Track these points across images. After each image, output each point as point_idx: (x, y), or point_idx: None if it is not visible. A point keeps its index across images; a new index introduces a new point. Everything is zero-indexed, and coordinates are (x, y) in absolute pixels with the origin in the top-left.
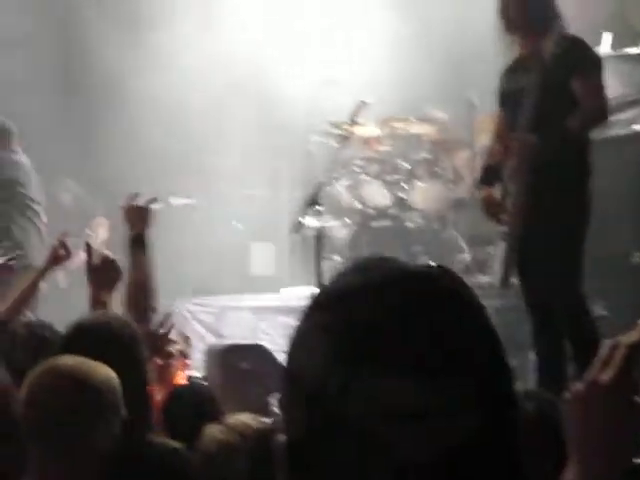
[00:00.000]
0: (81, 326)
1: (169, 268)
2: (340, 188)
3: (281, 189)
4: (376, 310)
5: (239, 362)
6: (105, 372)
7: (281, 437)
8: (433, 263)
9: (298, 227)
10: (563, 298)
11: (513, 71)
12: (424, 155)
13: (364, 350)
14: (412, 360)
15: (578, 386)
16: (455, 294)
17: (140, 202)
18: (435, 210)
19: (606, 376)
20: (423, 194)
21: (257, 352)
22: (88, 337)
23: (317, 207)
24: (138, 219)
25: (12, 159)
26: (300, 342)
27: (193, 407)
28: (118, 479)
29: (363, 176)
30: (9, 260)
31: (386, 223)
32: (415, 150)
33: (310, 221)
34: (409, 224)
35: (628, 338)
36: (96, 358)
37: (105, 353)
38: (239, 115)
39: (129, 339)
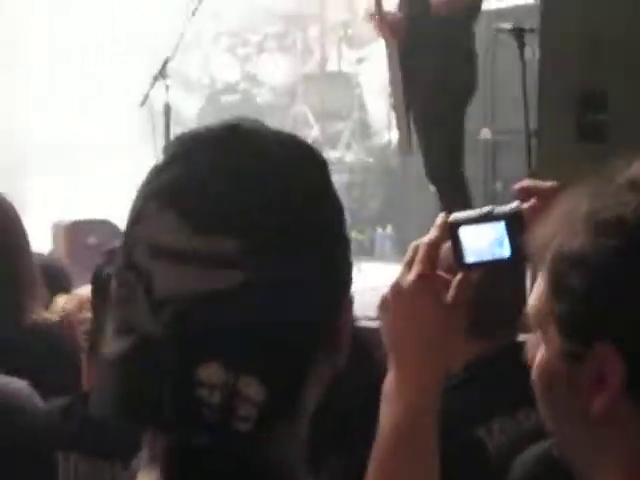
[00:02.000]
0: None
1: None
2: (190, 63)
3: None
4: (188, 156)
5: (86, 237)
6: None
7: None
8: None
9: (145, 100)
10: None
11: None
12: (275, 28)
13: (153, 187)
14: (192, 208)
15: (386, 292)
16: (260, 153)
17: None
18: (285, 85)
19: (409, 277)
20: (272, 68)
21: (104, 226)
22: None
23: (165, 80)
24: None
25: None
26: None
27: (46, 279)
28: None
29: (213, 50)
30: None
31: (235, 98)
32: (265, 23)
33: (157, 95)
34: (259, 99)
35: (427, 237)
36: None
37: None
38: None
39: None
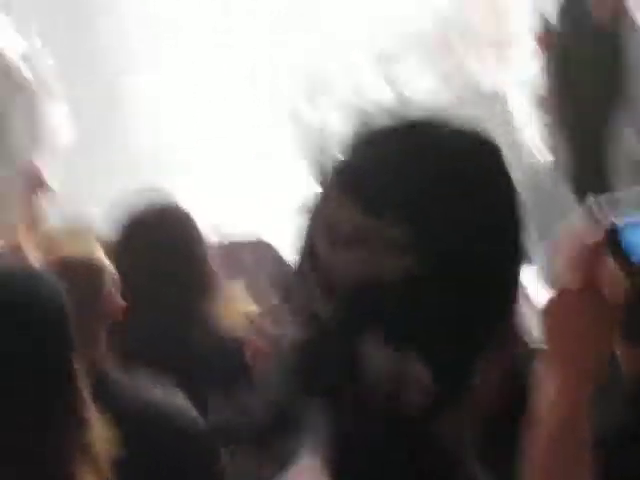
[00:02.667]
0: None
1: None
2: (342, 84)
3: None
4: (371, 145)
5: (241, 256)
6: None
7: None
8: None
9: (296, 117)
10: None
11: None
12: (427, 49)
13: (343, 175)
14: (366, 196)
15: (552, 297)
16: (441, 147)
17: None
18: (436, 105)
19: (576, 280)
20: (426, 90)
21: (260, 246)
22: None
23: (319, 97)
24: None
25: None
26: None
27: None
28: None
29: (366, 72)
30: None
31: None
32: (416, 45)
33: (309, 112)
34: None
35: (589, 238)
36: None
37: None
38: None
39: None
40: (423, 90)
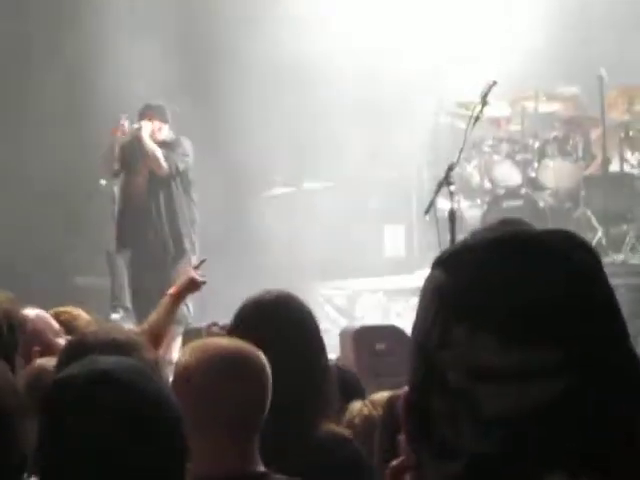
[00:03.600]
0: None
1: (302, 251)
2: (470, 168)
3: (410, 170)
4: (480, 269)
5: (373, 343)
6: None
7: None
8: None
9: (430, 208)
10: None
11: None
12: (554, 133)
13: (463, 308)
14: (507, 325)
15: None
16: (566, 260)
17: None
18: (567, 189)
19: None
20: (554, 173)
21: (391, 333)
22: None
23: (449, 187)
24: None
25: None
26: (420, 297)
27: (340, 388)
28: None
29: (493, 156)
30: None
31: (517, 203)
32: (545, 128)
33: (441, 202)
34: (541, 203)
35: None
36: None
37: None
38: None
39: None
40: (553, 173)
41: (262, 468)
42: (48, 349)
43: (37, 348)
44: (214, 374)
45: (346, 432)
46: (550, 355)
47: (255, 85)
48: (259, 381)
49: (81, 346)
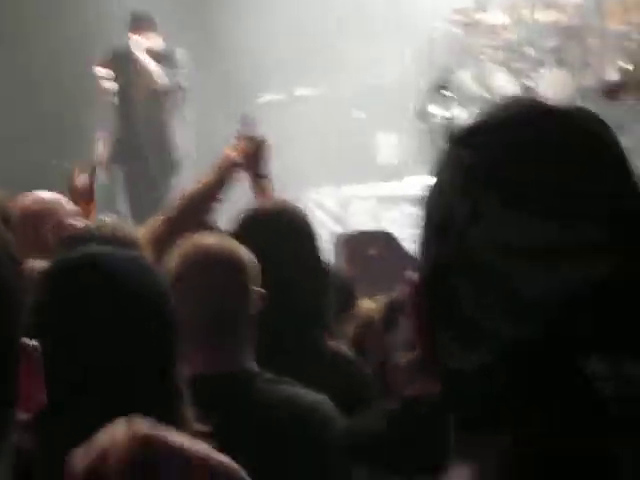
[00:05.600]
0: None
1: (295, 158)
2: (466, 77)
3: (406, 76)
4: (509, 143)
5: (366, 248)
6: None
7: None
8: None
9: (424, 115)
10: None
11: None
12: (552, 42)
13: (492, 182)
14: (541, 198)
15: None
16: (594, 135)
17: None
18: (562, 98)
19: None
20: (551, 82)
21: (384, 239)
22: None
23: (444, 93)
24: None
25: None
26: (436, 177)
27: (336, 295)
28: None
29: (489, 64)
30: None
31: None
32: (542, 37)
33: (436, 109)
34: None
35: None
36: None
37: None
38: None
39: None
40: (549, 82)
41: (255, 367)
42: (60, 228)
43: (50, 226)
44: (193, 269)
45: (343, 348)
46: (592, 232)
47: None
48: (236, 275)
49: (79, 238)
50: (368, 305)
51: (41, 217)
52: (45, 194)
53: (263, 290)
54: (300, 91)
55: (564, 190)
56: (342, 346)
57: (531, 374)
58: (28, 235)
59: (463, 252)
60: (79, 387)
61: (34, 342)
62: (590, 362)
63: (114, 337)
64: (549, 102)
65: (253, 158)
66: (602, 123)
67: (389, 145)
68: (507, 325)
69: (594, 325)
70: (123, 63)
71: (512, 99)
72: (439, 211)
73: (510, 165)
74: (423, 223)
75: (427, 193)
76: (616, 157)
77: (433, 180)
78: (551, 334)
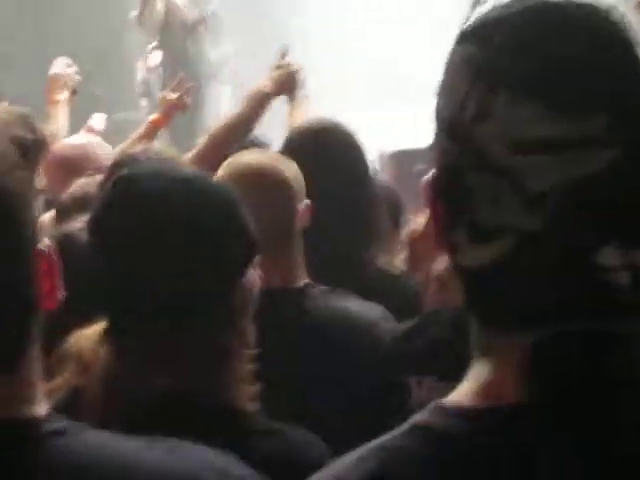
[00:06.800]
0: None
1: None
2: None
3: None
4: (514, 39)
5: (412, 164)
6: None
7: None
8: None
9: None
10: None
11: None
12: None
13: (498, 78)
14: (549, 92)
15: None
16: (599, 28)
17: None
18: None
19: None
20: None
21: (430, 155)
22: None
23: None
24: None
25: None
26: (445, 74)
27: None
28: None
29: None
30: None
31: None
32: None
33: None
34: None
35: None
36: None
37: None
38: None
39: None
40: None
41: (308, 280)
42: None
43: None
44: (240, 189)
45: (397, 269)
46: (597, 123)
47: None
48: (284, 193)
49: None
50: (418, 220)
51: (80, 162)
52: (81, 139)
53: (309, 202)
54: None
55: (569, 84)
56: (391, 260)
57: (542, 267)
58: (66, 181)
59: (472, 149)
60: (144, 303)
61: (47, 244)
62: (602, 253)
63: (183, 247)
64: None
65: (288, 86)
66: (608, 15)
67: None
68: (517, 219)
69: (605, 217)
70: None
71: None
72: (449, 109)
73: (515, 60)
74: (435, 123)
75: (438, 91)
76: (622, 49)
77: (443, 77)
78: (560, 226)
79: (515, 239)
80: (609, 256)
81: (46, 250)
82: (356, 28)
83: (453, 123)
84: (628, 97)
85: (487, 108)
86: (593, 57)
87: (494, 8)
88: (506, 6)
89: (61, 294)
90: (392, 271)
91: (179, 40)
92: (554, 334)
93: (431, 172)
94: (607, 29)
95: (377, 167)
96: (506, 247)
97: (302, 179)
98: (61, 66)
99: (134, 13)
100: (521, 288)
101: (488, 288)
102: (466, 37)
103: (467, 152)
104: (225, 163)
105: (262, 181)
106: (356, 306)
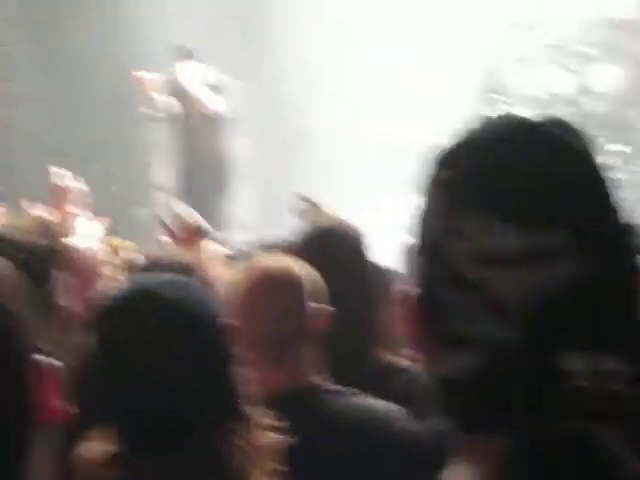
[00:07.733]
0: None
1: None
2: (515, 75)
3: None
4: (484, 162)
5: None
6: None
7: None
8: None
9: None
10: None
11: None
12: (603, 37)
13: (470, 199)
14: (513, 209)
15: None
16: (566, 146)
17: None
18: (618, 93)
19: None
20: (604, 78)
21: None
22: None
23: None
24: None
25: None
26: (423, 198)
27: None
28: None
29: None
30: None
31: (569, 110)
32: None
33: (486, 109)
34: (590, 109)
35: None
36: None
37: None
38: None
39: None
40: (602, 78)
41: (321, 381)
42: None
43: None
44: (252, 290)
45: (404, 362)
46: (561, 237)
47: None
48: (299, 297)
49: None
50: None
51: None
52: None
53: (330, 308)
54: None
55: (533, 202)
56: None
57: (515, 376)
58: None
59: (449, 266)
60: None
61: (46, 359)
62: (568, 359)
63: (167, 358)
64: (524, 118)
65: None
66: (577, 134)
67: None
68: (486, 329)
69: (569, 324)
70: (178, 91)
71: (490, 118)
72: (428, 232)
73: (485, 182)
74: (415, 243)
75: (417, 215)
76: (587, 167)
77: (421, 201)
78: (527, 335)
79: (485, 348)
80: (575, 362)
81: (42, 363)
82: None
83: (432, 244)
84: (588, 213)
85: (460, 227)
86: (556, 177)
87: (466, 131)
88: (478, 130)
89: (64, 406)
90: (398, 364)
91: (197, 133)
92: (528, 440)
93: (408, 286)
94: (568, 150)
95: (403, 258)
96: (477, 356)
97: (320, 283)
98: (64, 179)
99: (144, 109)
100: (493, 395)
101: (462, 394)
102: (440, 164)
103: (444, 270)
104: (244, 266)
105: (285, 289)
106: (374, 403)
